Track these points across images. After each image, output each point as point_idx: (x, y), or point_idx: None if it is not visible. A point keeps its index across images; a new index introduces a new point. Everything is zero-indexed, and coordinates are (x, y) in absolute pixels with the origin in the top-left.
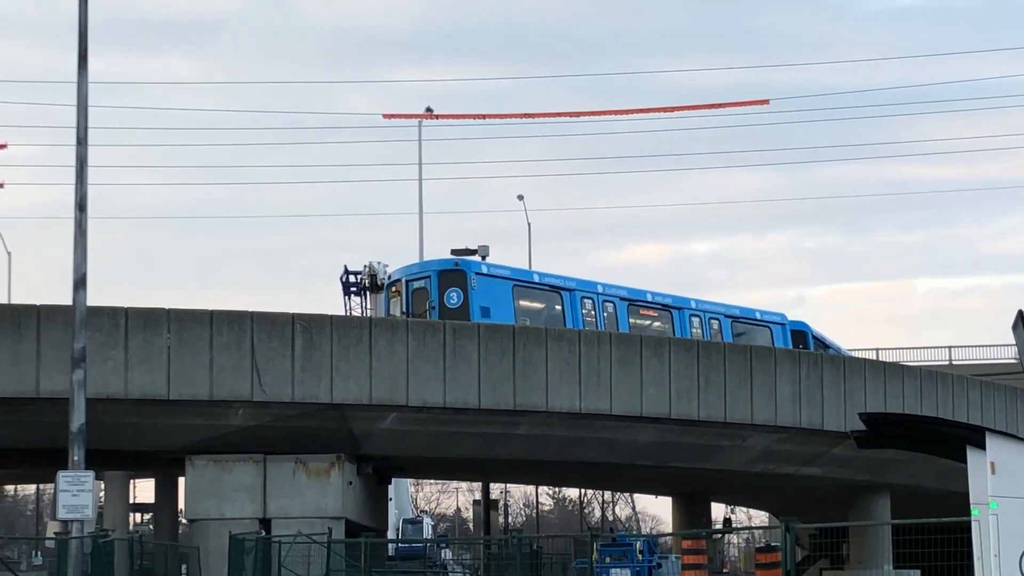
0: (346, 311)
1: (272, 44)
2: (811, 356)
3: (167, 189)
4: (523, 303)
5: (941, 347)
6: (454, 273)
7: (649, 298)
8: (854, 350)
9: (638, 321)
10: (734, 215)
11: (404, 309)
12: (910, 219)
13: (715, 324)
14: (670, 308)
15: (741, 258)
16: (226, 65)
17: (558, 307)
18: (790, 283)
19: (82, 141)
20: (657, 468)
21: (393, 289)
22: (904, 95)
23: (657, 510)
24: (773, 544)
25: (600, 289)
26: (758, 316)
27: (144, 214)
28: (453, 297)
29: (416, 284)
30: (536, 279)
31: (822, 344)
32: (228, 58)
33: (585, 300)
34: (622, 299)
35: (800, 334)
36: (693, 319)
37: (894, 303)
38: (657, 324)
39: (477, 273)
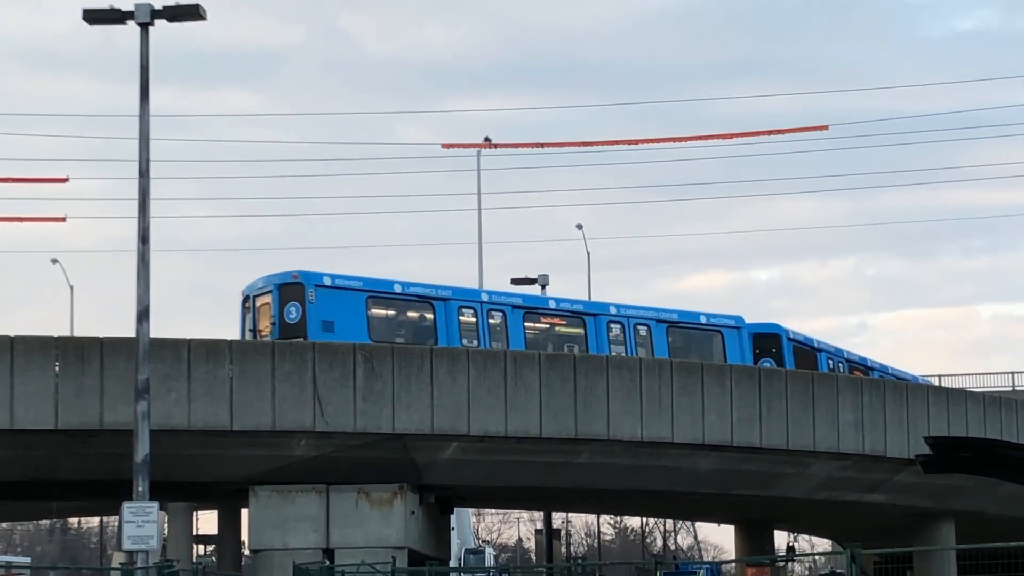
0: None
1: (331, 76)
2: (873, 382)
3: (228, 221)
4: (381, 316)
5: (1004, 373)
6: (293, 286)
7: (553, 305)
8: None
9: (539, 332)
10: (795, 242)
11: (250, 326)
12: (973, 244)
13: (643, 331)
14: (582, 315)
15: (803, 286)
16: (286, 97)
17: (429, 319)
18: (853, 310)
19: (144, 174)
20: (719, 496)
21: (246, 305)
22: (965, 120)
23: (719, 539)
24: (838, 571)
25: (485, 297)
26: (703, 320)
27: (206, 246)
28: (292, 312)
29: (261, 299)
30: (398, 289)
31: (809, 349)
32: (288, 90)
33: (464, 310)
34: (515, 307)
35: (769, 339)
36: (613, 327)
37: (957, 329)
38: (566, 334)
39: (317, 285)
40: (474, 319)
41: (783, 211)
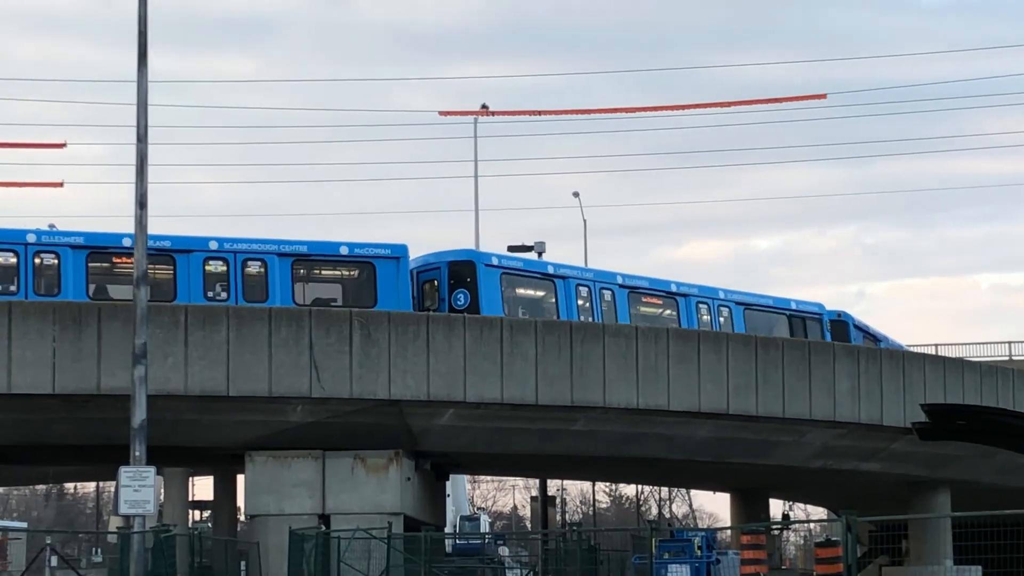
0: None
1: (330, 41)
2: (870, 351)
3: (226, 187)
4: None
5: (1001, 342)
6: None
7: (128, 243)
8: (914, 346)
9: (111, 277)
10: (795, 211)
11: None
12: (973, 214)
13: (254, 268)
14: (170, 253)
15: (803, 254)
16: (284, 63)
17: None
18: (852, 279)
19: (142, 139)
20: (715, 464)
21: None
22: (967, 88)
23: (714, 508)
24: (833, 539)
25: (31, 239)
26: (345, 252)
27: (204, 212)
28: None
29: None
30: None
31: (538, 276)
32: (286, 56)
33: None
34: (76, 247)
35: (463, 267)
36: (212, 264)
37: (956, 299)
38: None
39: None
40: (15, 261)
41: (783, 179)
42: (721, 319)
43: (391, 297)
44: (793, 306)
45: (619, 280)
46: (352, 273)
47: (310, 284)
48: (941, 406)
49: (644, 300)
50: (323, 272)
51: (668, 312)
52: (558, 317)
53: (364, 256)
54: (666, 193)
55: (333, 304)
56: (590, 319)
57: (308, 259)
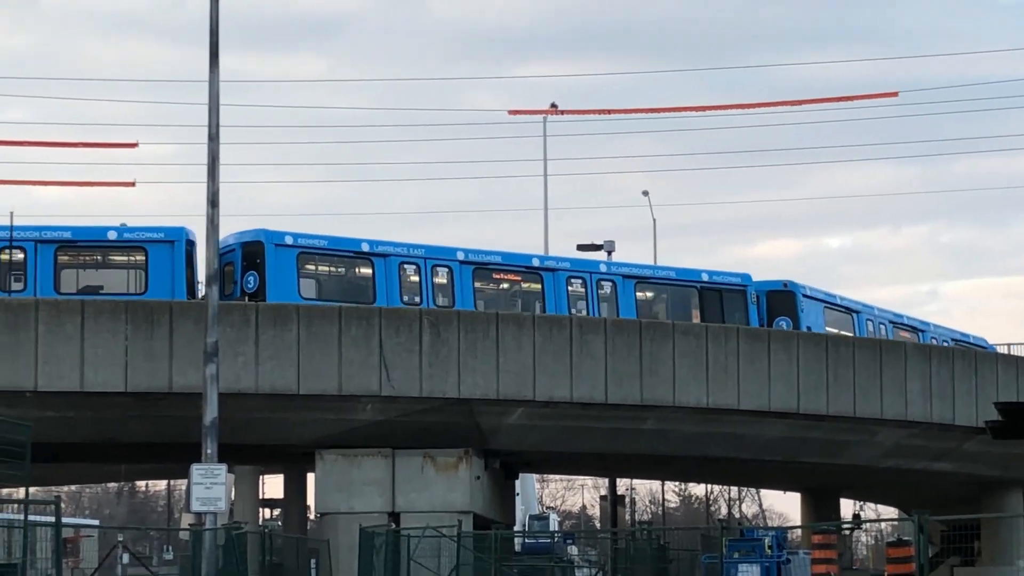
0: None
1: (400, 41)
2: (942, 350)
3: (297, 186)
4: None
5: None
6: None
7: None
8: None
9: None
10: (867, 209)
11: None
12: None
13: (18, 256)
14: None
15: (875, 253)
16: (354, 62)
17: None
18: (925, 278)
19: (214, 138)
20: (785, 464)
21: None
22: None
23: (784, 507)
24: (905, 538)
25: None
26: (113, 237)
27: (274, 211)
28: None
29: None
30: None
31: (338, 255)
32: (356, 55)
33: None
34: None
35: (253, 247)
36: None
37: None
38: None
39: None
40: None
41: (854, 178)
42: (602, 294)
43: (164, 284)
44: (705, 277)
45: (460, 256)
46: (123, 259)
47: (78, 271)
48: (1015, 404)
49: (496, 277)
50: (92, 258)
51: (530, 289)
52: (374, 299)
53: (134, 241)
54: (736, 192)
55: (102, 292)
56: (417, 299)
57: (74, 245)
